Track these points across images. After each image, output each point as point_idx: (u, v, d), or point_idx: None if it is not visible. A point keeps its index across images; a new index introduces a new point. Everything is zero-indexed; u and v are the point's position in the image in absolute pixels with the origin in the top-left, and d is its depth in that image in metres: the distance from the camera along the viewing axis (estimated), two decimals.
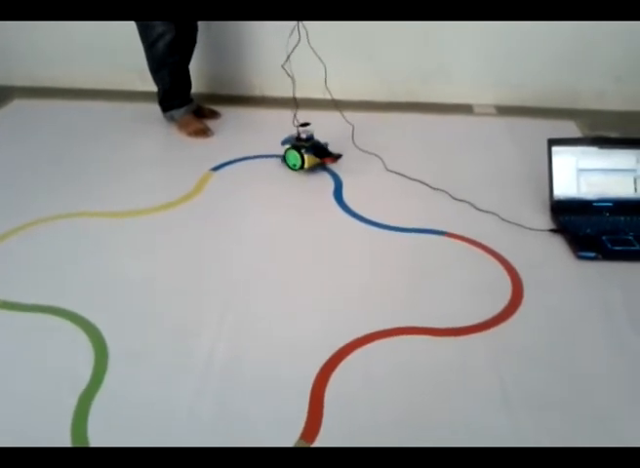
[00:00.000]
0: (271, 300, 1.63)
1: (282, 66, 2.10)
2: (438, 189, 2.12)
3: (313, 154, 2.20)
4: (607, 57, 2.75)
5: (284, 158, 2.25)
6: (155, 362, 1.43)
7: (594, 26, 2.60)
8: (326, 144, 2.26)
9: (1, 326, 1.53)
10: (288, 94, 2.20)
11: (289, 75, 2.11)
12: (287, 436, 1.24)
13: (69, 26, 2.74)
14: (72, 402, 1.31)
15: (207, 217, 1.99)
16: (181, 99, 2.55)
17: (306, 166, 2.19)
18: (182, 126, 2.55)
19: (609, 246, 1.80)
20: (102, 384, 1.36)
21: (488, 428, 1.27)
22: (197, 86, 2.71)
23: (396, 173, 2.23)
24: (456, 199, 2.07)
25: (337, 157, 2.27)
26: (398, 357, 1.45)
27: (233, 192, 2.14)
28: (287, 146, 2.23)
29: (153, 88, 2.51)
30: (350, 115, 2.36)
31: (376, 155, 2.32)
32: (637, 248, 1.79)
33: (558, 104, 2.82)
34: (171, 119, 2.57)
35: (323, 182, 2.20)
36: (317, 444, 1.23)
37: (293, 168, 2.23)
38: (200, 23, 2.59)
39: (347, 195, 2.11)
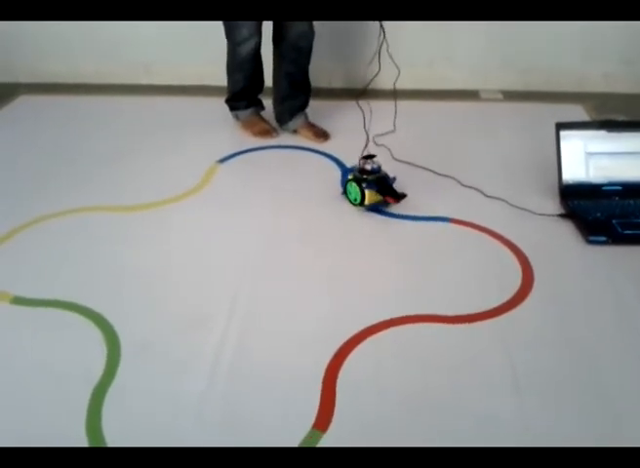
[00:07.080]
0: (281, 290, 1.63)
1: (356, 102, 2.07)
2: (446, 176, 2.12)
3: (376, 190, 1.93)
4: (614, 39, 2.72)
5: (345, 190, 2.00)
6: (167, 353, 1.44)
7: None
8: (393, 180, 1.97)
9: (13, 321, 1.55)
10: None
11: (361, 109, 2.08)
12: (300, 425, 1.25)
13: (73, 22, 2.73)
14: (86, 395, 1.32)
15: (216, 209, 1.99)
16: (248, 101, 2.46)
17: (367, 202, 1.92)
18: (247, 126, 2.49)
19: (619, 230, 1.79)
20: (115, 377, 1.37)
21: (498, 414, 1.27)
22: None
23: (403, 161, 2.22)
24: (464, 185, 2.06)
25: (400, 197, 1.94)
26: (409, 345, 1.45)
27: (240, 184, 2.14)
28: (349, 177, 1.97)
29: (158, 81, 2.47)
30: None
31: (383, 144, 2.31)
32: None
33: (565, 88, 2.80)
34: (236, 118, 2.51)
35: (329, 171, 2.20)
36: (330, 432, 1.23)
37: (354, 202, 1.96)
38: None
39: None
